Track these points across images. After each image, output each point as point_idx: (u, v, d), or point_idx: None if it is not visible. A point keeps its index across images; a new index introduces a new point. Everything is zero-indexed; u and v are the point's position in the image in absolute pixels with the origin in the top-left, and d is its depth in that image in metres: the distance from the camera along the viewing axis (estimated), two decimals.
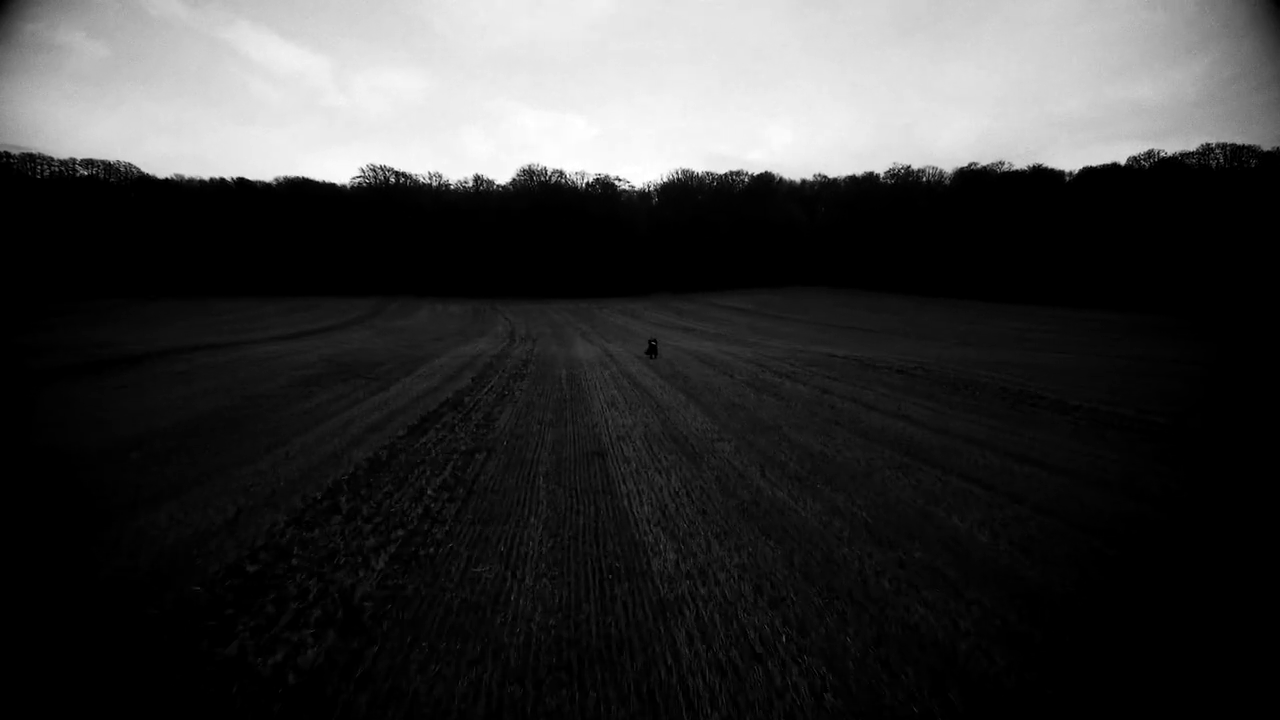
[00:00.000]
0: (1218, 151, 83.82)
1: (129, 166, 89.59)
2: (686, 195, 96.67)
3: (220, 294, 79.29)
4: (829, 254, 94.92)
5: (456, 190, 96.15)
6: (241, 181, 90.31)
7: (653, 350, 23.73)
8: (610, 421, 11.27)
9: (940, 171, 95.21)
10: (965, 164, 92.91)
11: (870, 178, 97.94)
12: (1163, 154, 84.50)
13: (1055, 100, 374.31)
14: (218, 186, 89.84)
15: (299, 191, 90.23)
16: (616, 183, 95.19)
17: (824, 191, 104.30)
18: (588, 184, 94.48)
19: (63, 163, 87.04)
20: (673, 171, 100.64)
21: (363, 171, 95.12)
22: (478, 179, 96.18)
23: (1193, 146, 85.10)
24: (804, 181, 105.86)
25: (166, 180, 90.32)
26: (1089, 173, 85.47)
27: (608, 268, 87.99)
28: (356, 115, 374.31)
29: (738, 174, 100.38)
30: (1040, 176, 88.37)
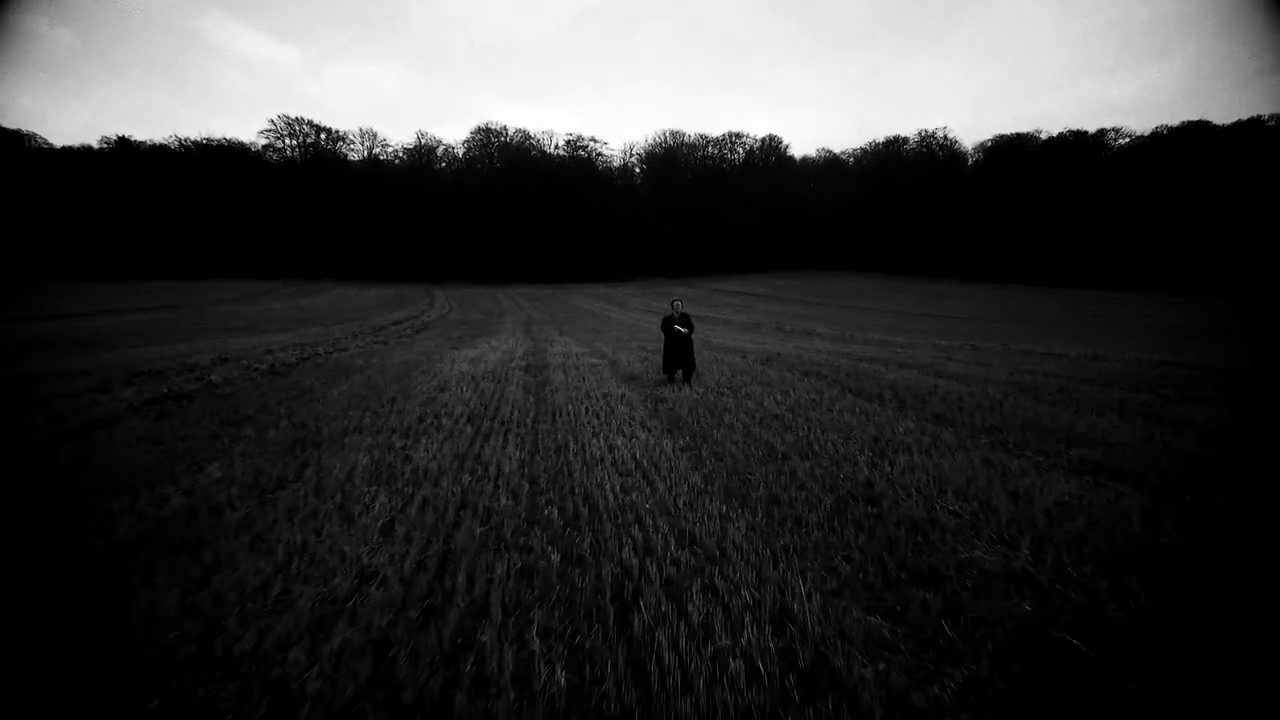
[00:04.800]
0: (1270, 122, 70.81)
1: (33, 135, 68.96)
2: (675, 166, 78.49)
3: (98, 277, 60.70)
4: (844, 235, 79.16)
5: (398, 153, 76.81)
6: (123, 141, 71.53)
7: (678, 352, 7.69)
8: None
9: (962, 144, 79.96)
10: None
11: (895, 145, 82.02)
12: (1212, 124, 70.76)
13: (1032, 99, 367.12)
14: (96, 152, 70.55)
15: (203, 154, 71.33)
16: (592, 143, 76.67)
17: (829, 169, 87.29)
18: (558, 146, 76.03)
19: None
20: (658, 133, 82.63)
21: (274, 125, 72.07)
22: (420, 138, 76.16)
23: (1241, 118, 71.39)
24: (805, 158, 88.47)
25: (61, 149, 70.25)
26: (1160, 137, 70.90)
27: (584, 247, 70.95)
28: (333, 108, 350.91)
29: (738, 135, 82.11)
30: (1088, 144, 73.08)
